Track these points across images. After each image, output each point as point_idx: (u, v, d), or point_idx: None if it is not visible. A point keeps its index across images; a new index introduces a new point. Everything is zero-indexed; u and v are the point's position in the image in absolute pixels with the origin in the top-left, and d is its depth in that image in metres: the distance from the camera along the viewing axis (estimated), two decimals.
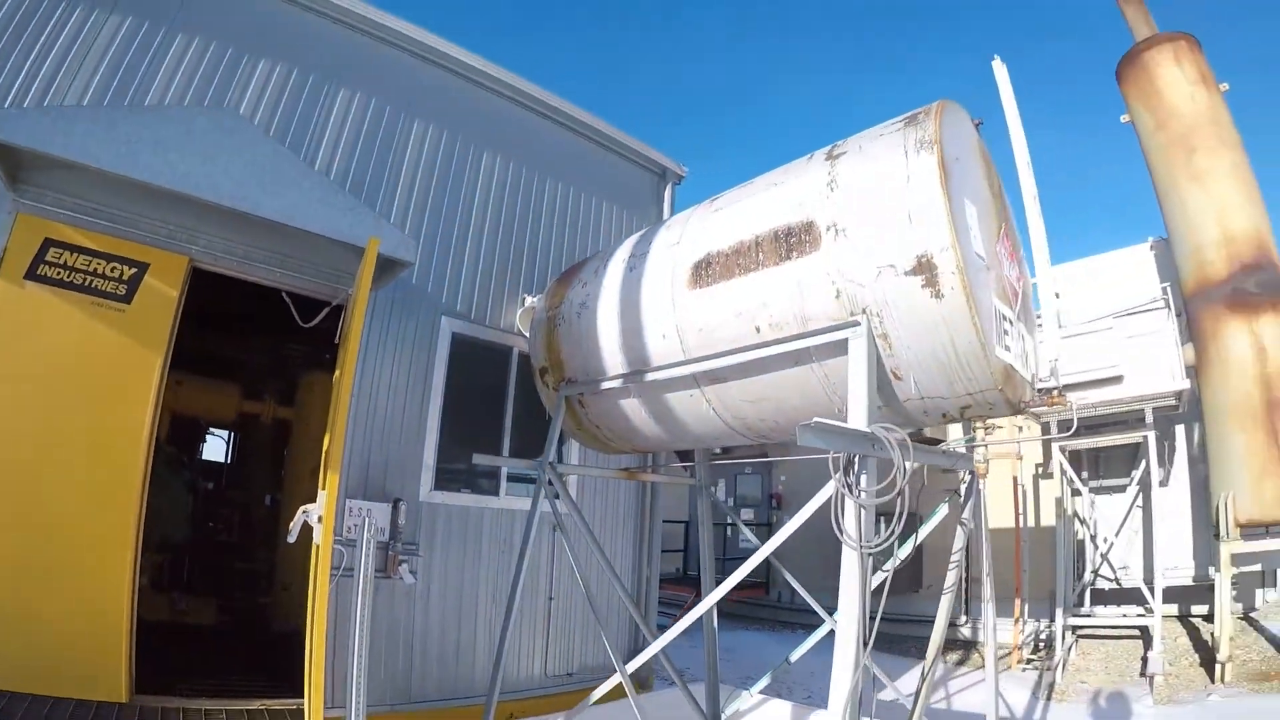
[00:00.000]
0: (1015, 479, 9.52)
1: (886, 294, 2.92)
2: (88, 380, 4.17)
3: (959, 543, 4.01)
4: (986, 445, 3.32)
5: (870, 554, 2.74)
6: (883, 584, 3.91)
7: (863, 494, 2.75)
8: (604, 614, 6.13)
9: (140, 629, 4.30)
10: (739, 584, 13.80)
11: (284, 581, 6.29)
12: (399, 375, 5.21)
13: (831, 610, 11.23)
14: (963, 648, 10.26)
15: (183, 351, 6.21)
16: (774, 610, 12.63)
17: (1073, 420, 3.58)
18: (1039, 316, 3.28)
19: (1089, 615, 9.16)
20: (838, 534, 2.76)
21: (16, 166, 3.89)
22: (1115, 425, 8.68)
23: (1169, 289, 8.59)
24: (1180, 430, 9.56)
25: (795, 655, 5.04)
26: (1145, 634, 8.53)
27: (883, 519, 3.56)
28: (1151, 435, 8.28)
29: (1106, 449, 9.48)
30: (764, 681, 5.45)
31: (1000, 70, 4.88)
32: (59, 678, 3.94)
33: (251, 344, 7.54)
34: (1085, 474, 9.95)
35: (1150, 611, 8.30)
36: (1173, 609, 9.68)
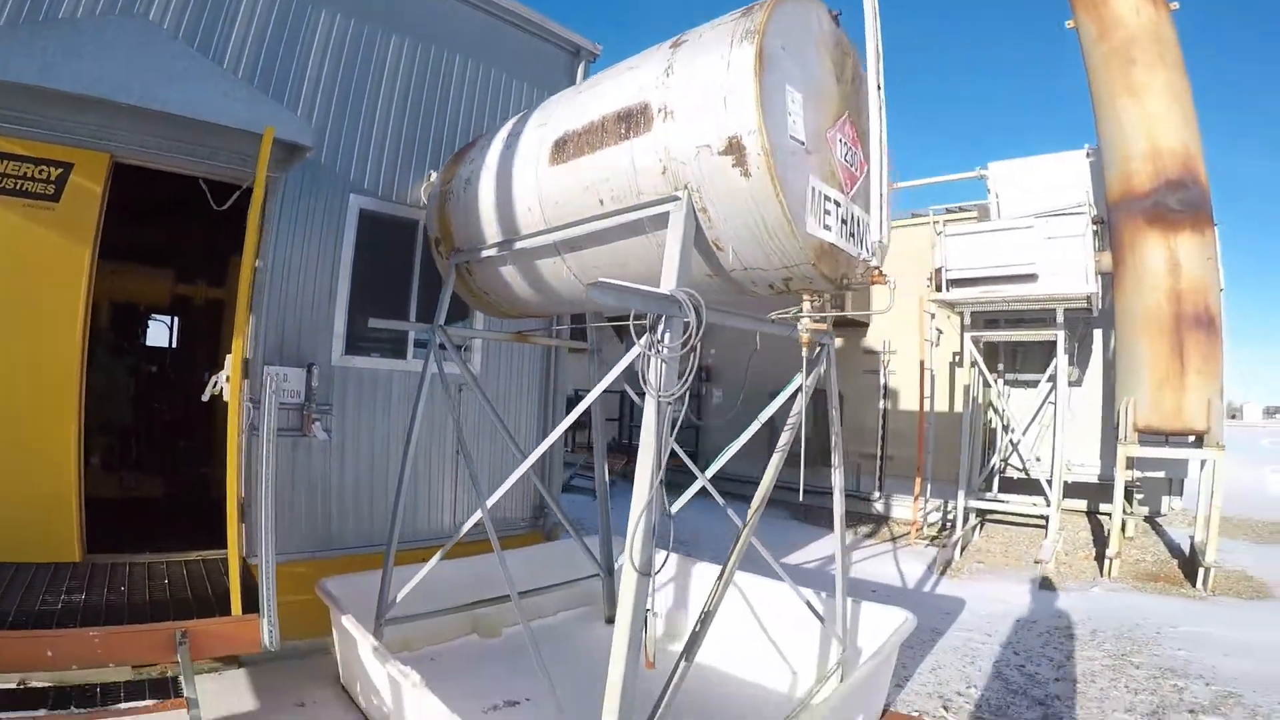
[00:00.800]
0: (922, 364, 9.81)
1: (704, 172, 3.09)
2: (24, 275, 4.39)
3: (797, 405, 4.29)
4: (806, 316, 3.50)
5: (668, 403, 2.98)
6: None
7: (665, 349, 2.97)
8: (510, 469, 6.48)
9: (93, 505, 4.71)
10: (673, 454, 14.21)
11: (222, 452, 6.63)
12: (310, 250, 5.39)
13: (748, 479, 11.55)
14: (874, 521, 10.92)
15: (119, 243, 6.29)
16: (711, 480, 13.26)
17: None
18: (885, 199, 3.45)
19: (995, 500, 9.67)
20: (642, 385, 3.00)
21: None
22: (1035, 323, 8.92)
23: (1089, 194, 8.67)
24: (1099, 335, 9.83)
25: (675, 508, 5.42)
26: (1049, 524, 9.07)
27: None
28: (1061, 335, 8.54)
29: (1026, 344, 9.78)
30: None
31: None
32: (21, 545, 4.34)
33: (183, 231, 7.59)
34: (1002, 366, 10.27)
35: (1049, 503, 8.76)
36: (1080, 504, 10.24)
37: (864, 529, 10.50)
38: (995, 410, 9.86)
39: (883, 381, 11.10)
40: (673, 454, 12.98)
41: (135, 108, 4.18)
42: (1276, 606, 7.13)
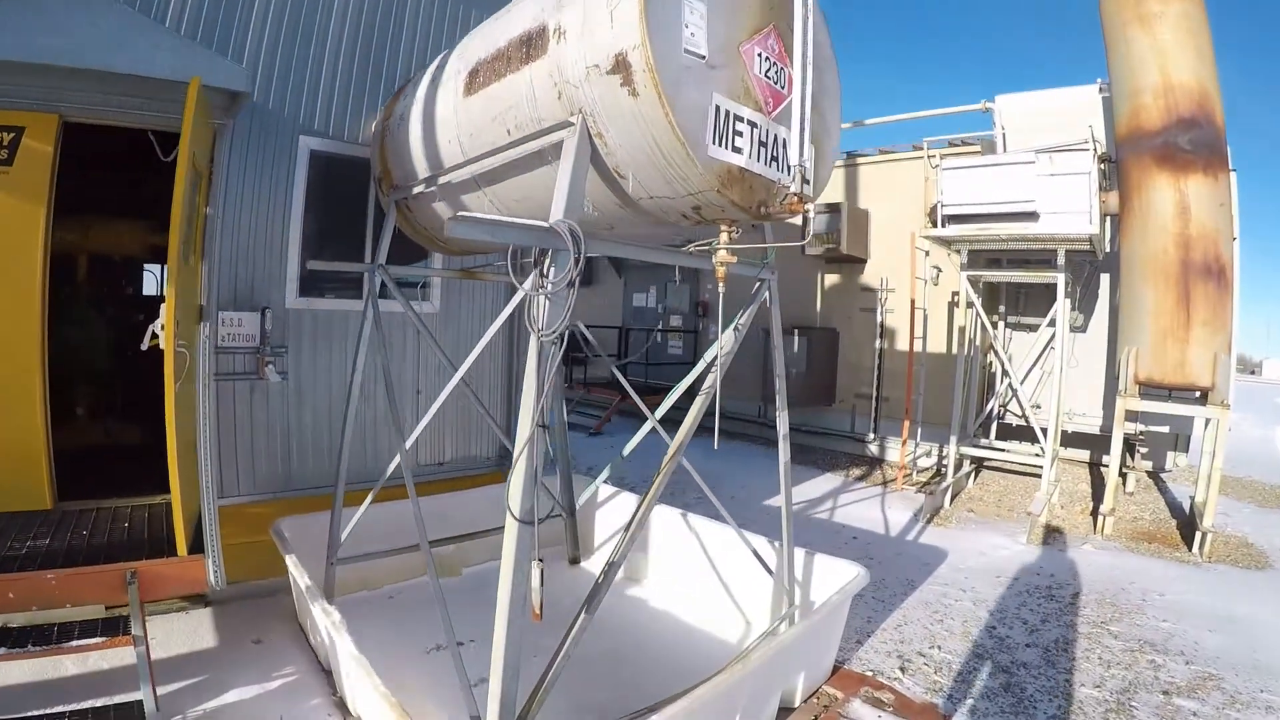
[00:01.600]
0: (913, 302, 9.39)
1: (597, 94, 2.84)
2: None
3: (727, 344, 4.11)
4: (721, 248, 3.27)
5: (551, 342, 2.81)
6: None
7: (550, 285, 2.79)
8: (472, 408, 6.54)
9: (72, 454, 4.90)
10: (664, 390, 14.11)
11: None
12: (261, 194, 5.27)
13: (748, 417, 11.59)
14: (867, 464, 10.64)
15: (92, 198, 6.19)
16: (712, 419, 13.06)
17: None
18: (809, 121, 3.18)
19: (990, 448, 9.34)
20: (528, 325, 2.83)
21: None
22: (1039, 264, 8.45)
23: (1094, 130, 8.11)
24: (1106, 280, 9.32)
25: (627, 450, 5.32)
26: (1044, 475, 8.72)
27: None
28: (1062, 278, 8.08)
29: (1030, 286, 9.32)
30: (605, 473, 5.77)
31: None
32: None
33: (151, 184, 7.57)
34: (1004, 308, 9.82)
35: (1043, 453, 8.37)
36: (1083, 455, 9.83)
37: (856, 471, 10.23)
38: (997, 353, 9.45)
39: (879, 320, 10.70)
40: (657, 390, 12.93)
41: (74, 69, 4.16)
42: (1273, 578, 6.69)
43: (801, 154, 3.16)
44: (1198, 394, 7.41)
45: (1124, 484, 9.04)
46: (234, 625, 4.85)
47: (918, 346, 9.36)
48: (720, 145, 2.93)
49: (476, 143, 3.62)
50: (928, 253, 9.26)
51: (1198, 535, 7.24)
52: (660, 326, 13.73)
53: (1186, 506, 8.41)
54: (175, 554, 4.07)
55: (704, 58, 2.87)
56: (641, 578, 5.76)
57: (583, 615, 3.36)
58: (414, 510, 4.20)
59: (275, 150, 5.31)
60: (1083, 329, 9.34)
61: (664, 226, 3.62)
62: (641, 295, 14.29)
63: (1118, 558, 7.05)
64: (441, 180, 4.01)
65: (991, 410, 9.70)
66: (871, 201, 10.85)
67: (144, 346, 4.15)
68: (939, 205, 8.29)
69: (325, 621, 3.76)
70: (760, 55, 3.16)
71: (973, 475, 9.56)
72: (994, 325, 9.59)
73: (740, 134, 3.03)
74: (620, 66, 2.71)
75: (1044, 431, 8.39)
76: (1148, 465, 9.49)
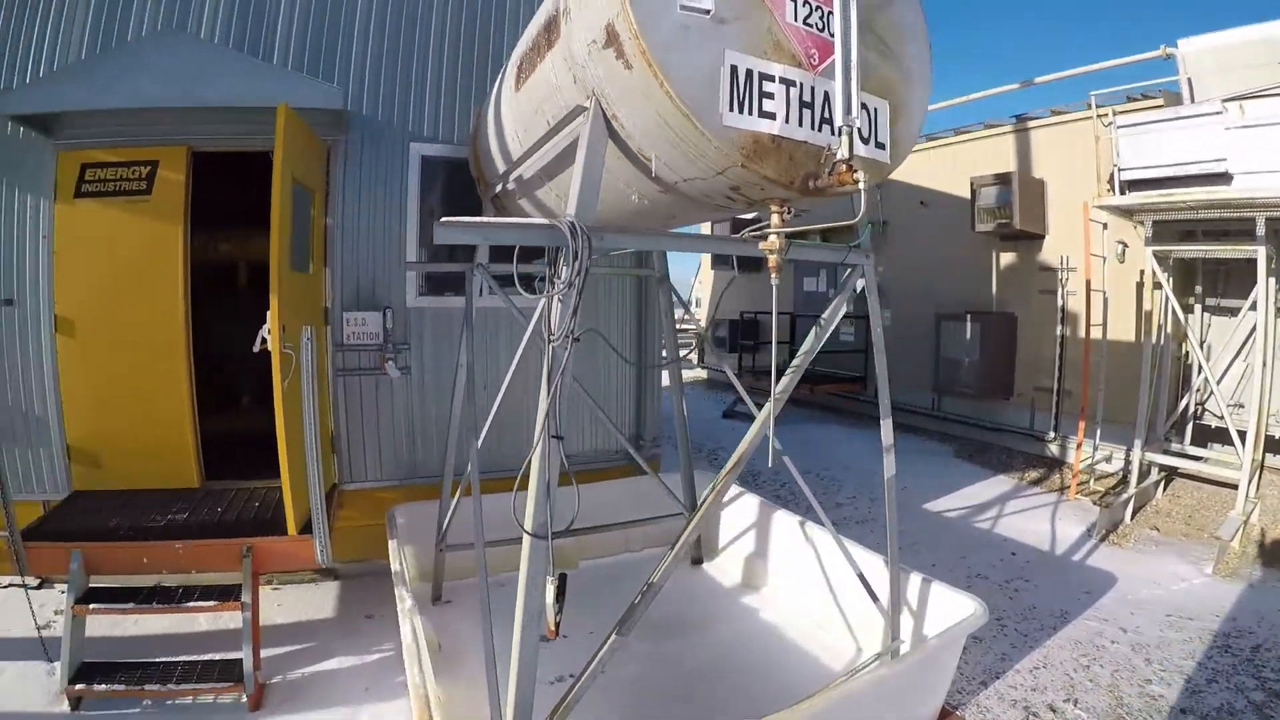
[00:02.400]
0: (1088, 282, 7.98)
1: (601, 72, 2.57)
2: (133, 258, 5.06)
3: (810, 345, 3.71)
4: (772, 233, 2.85)
5: (564, 348, 2.63)
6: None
7: (559, 287, 2.60)
8: (608, 400, 6.49)
9: (218, 440, 5.51)
10: (836, 378, 13.36)
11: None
12: (377, 202, 5.55)
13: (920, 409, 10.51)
14: (1045, 466, 9.23)
15: (226, 214, 6.68)
16: (870, 406, 11.62)
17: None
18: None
19: (1180, 456, 7.77)
20: (544, 334, 2.67)
21: (45, 122, 4.91)
22: (1240, 235, 6.90)
23: None
24: None
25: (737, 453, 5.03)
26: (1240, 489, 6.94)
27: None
28: (1262, 251, 6.48)
29: (1231, 263, 7.61)
30: (728, 467, 5.54)
31: None
32: (151, 476, 5.10)
33: None
34: (1200, 288, 8.15)
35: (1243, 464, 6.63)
36: None
37: (1032, 474, 8.95)
38: (1195, 344, 7.89)
39: (1060, 304, 9.32)
40: (827, 379, 12.21)
41: (191, 108, 4.75)
42: None
43: (849, 109, 2.64)
44: None
45: None
46: (354, 599, 5.16)
47: (1098, 334, 8.08)
48: (742, 111, 2.53)
49: (529, 136, 3.46)
50: (1106, 225, 7.96)
51: None
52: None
53: None
54: (286, 533, 4.37)
55: (708, 12, 2.49)
56: (760, 585, 5.39)
57: (614, 636, 3.12)
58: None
59: (388, 159, 5.58)
60: None
61: (726, 210, 3.32)
62: (812, 280, 13.45)
63: None
64: (512, 176, 3.94)
65: (1186, 409, 8.10)
66: (1047, 169, 9.52)
67: (255, 349, 4.47)
68: (1115, 169, 7.06)
69: (400, 606, 3.84)
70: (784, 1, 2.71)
71: (1162, 485, 8.00)
72: (1189, 309, 8.02)
73: (771, 95, 2.58)
74: (611, 38, 2.43)
75: (1242, 436, 6.77)
76: None
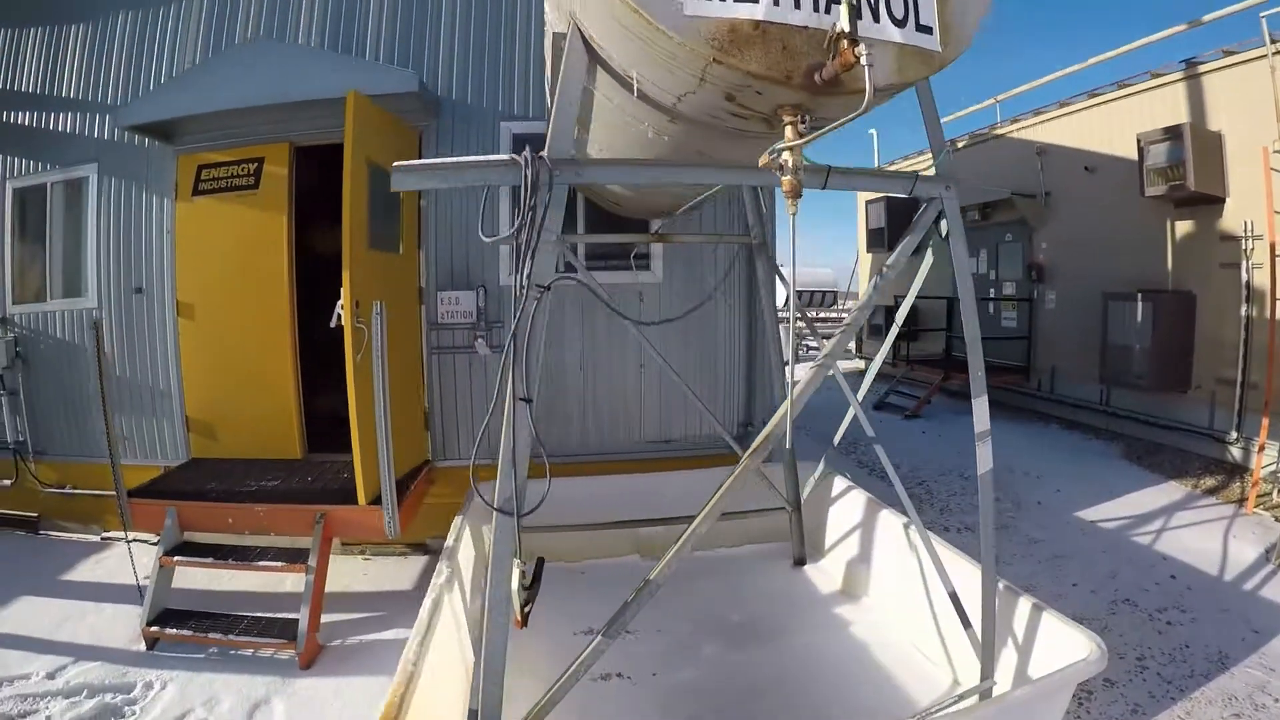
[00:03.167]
0: (1272, 247, 6.33)
1: None
2: (243, 248, 5.40)
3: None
4: (784, 149, 2.29)
5: (535, 296, 2.33)
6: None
7: (536, 234, 2.30)
8: (711, 381, 6.05)
9: (322, 417, 5.68)
10: (998, 369, 11.88)
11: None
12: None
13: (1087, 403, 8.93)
14: (1224, 472, 7.46)
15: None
16: (1032, 400, 10.36)
17: None
18: None
19: None
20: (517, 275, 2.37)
21: (164, 130, 5.38)
22: None
23: None
24: None
25: (836, 439, 4.75)
26: None
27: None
28: None
29: None
30: (821, 465, 5.14)
31: None
32: (262, 446, 5.41)
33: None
34: None
35: None
36: None
37: (1209, 481, 7.32)
38: None
39: (1245, 279, 7.61)
40: (1001, 369, 10.73)
41: (289, 105, 4.94)
42: None
43: None
44: None
45: None
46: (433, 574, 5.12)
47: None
48: None
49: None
50: None
51: None
52: (993, 295, 11.52)
53: None
54: (357, 503, 4.39)
55: None
56: (860, 593, 4.57)
57: (599, 638, 2.72)
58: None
59: (480, 139, 5.54)
60: None
61: (748, 137, 2.83)
62: (973, 261, 12.21)
63: None
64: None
65: None
66: (1223, 120, 7.84)
67: (332, 325, 4.53)
68: None
69: (434, 580, 3.68)
70: None
71: None
72: None
73: None
74: None
75: None
76: None
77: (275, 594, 4.68)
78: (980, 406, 2.97)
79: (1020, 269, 10.73)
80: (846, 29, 1.99)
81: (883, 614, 4.27)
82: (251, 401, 5.37)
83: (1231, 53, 7.66)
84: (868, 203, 13.72)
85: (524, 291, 2.31)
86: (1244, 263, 7.56)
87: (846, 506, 5.09)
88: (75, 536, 5.66)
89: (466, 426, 5.67)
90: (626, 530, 5.06)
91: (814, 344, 18.31)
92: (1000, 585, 3.17)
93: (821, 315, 21.86)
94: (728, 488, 2.91)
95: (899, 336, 11.91)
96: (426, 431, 5.58)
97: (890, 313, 12.13)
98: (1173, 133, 7.85)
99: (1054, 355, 10.07)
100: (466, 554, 4.18)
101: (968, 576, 3.27)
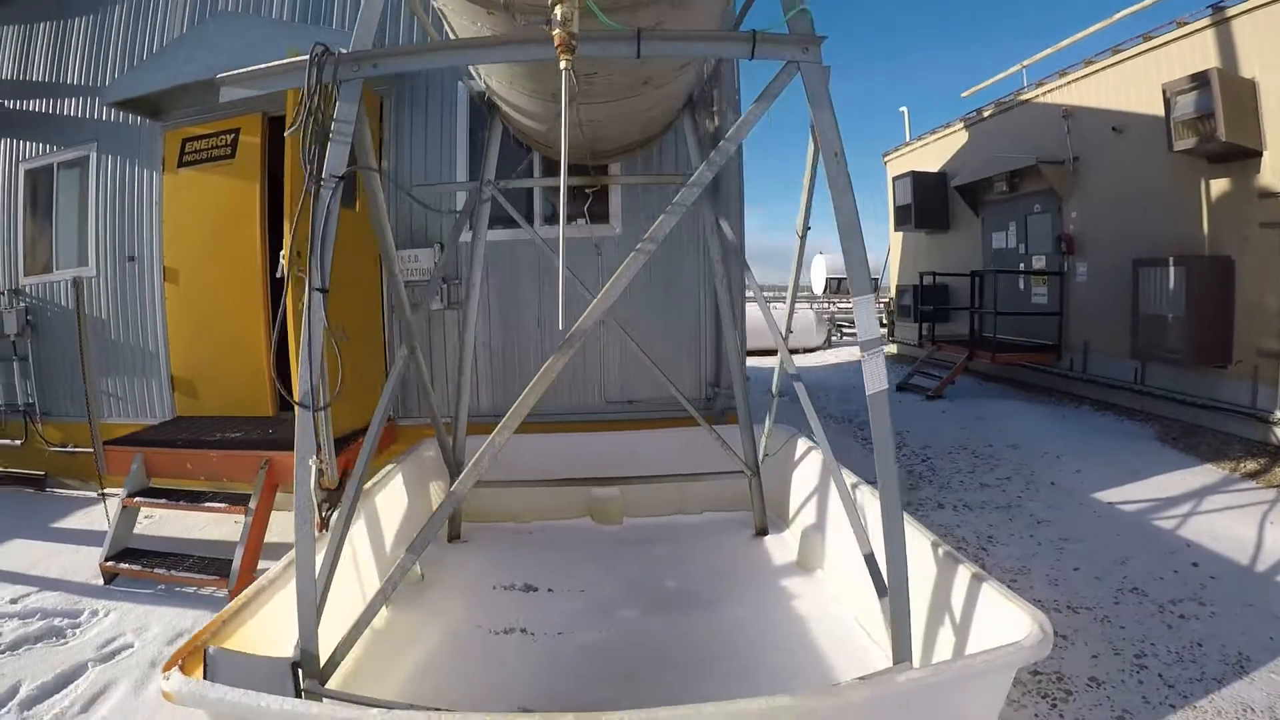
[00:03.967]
0: None
1: None
2: (222, 215, 5.66)
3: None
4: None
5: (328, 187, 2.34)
6: None
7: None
8: (680, 343, 5.90)
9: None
10: (1027, 348, 11.25)
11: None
12: (431, 138, 5.67)
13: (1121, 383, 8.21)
14: (1267, 454, 6.64)
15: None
16: (1064, 380, 9.61)
17: None
18: None
19: None
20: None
21: (151, 107, 5.71)
22: None
23: None
24: None
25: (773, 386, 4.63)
26: None
27: None
28: None
29: None
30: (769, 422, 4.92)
31: None
32: (238, 404, 5.65)
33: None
34: None
35: None
36: None
37: (1249, 465, 6.53)
38: None
39: None
40: (1010, 346, 10.16)
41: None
42: None
43: None
44: None
45: None
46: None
47: None
48: None
49: None
50: None
51: None
52: (1022, 269, 10.88)
53: None
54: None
55: None
56: (815, 565, 4.21)
57: (405, 555, 2.73)
58: None
59: (440, 101, 5.65)
60: None
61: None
62: (1000, 234, 11.46)
63: None
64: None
65: None
66: (1257, 66, 7.14)
67: (276, 275, 4.68)
68: None
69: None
70: None
71: None
72: None
73: None
74: None
75: None
76: None
77: (233, 542, 4.84)
78: (865, 319, 2.42)
79: (1050, 241, 10.09)
80: None
81: (836, 587, 3.92)
82: (228, 361, 5.62)
83: None
84: (895, 178, 13.23)
85: (314, 185, 2.31)
86: None
87: (807, 471, 4.77)
88: (76, 493, 6.04)
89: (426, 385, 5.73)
90: (579, 489, 4.99)
91: (850, 329, 17.96)
92: (939, 552, 2.85)
93: (843, 303, 21.16)
94: None
95: (926, 316, 11.42)
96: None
97: (920, 292, 11.64)
98: (1199, 80, 7.23)
99: (1086, 332, 9.42)
100: (387, 501, 4.16)
101: (917, 550, 2.84)
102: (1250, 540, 4.95)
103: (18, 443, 6.18)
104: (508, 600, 3.90)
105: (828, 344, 15.74)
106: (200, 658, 2.17)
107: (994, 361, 10.10)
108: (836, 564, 3.98)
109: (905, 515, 2.80)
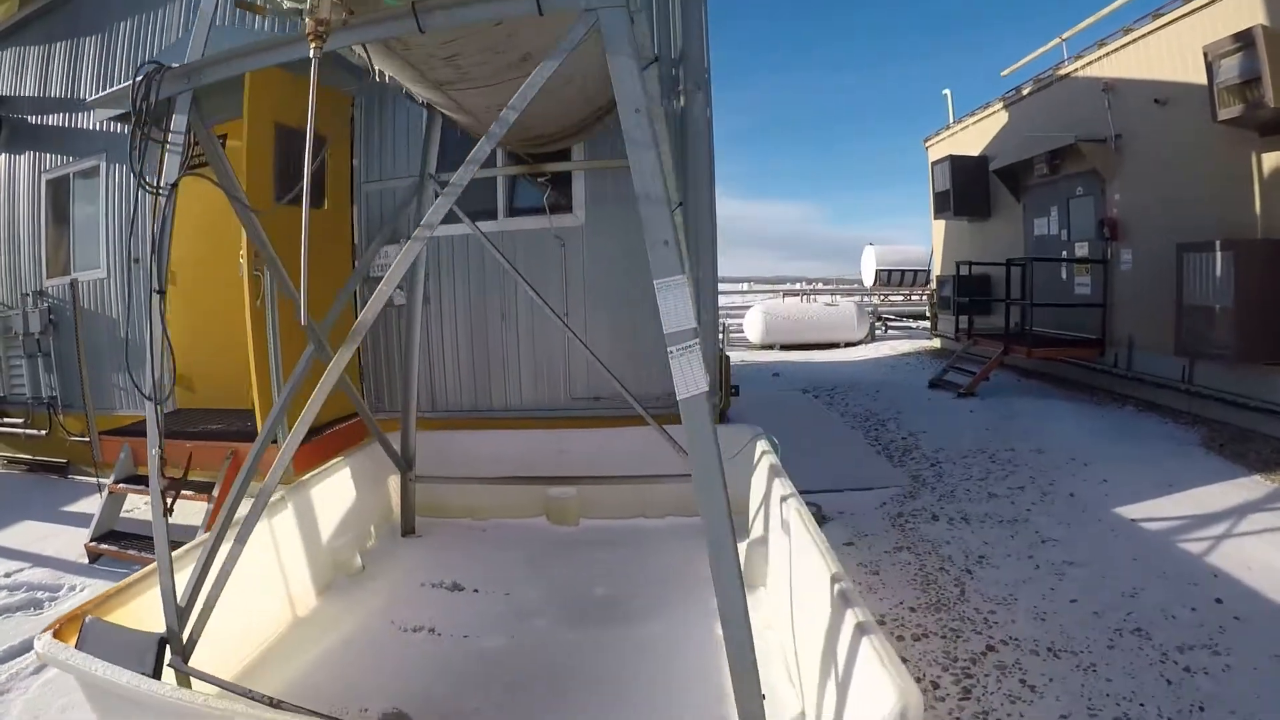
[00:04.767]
0: None
1: None
2: (211, 216, 5.46)
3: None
4: None
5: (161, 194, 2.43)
6: None
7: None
8: (634, 336, 5.68)
9: None
10: (1068, 342, 10.68)
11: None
12: (399, 137, 5.80)
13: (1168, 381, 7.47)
14: None
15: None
16: (1108, 377, 8.90)
17: None
18: None
19: None
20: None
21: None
22: None
23: None
24: None
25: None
26: None
27: None
28: None
29: None
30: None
31: None
32: (229, 398, 5.87)
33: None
34: None
35: None
36: None
37: None
38: None
39: None
40: (1049, 341, 9.60)
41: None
42: None
43: None
44: None
45: None
46: None
47: None
48: None
49: None
50: None
51: None
52: (1064, 257, 10.15)
53: None
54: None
55: None
56: (758, 583, 3.85)
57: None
58: None
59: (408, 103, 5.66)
60: None
61: None
62: (1042, 221, 10.71)
63: None
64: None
65: None
66: None
67: (242, 274, 4.86)
68: None
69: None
70: None
71: None
72: None
73: None
74: None
75: None
76: None
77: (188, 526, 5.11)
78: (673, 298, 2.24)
79: (1093, 226, 9.37)
80: None
81: (771, 611, 3.57)
82: (219, 358, 5.89)
83: None
84: (934, 164, 12.59)
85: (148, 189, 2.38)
86: None
87: (763, 477, 4.34)
88: (91, 479, 6.46)
89: (399, 381, 5.84)
90: (536, 488, 4.93)
91: (896, 323, 17.29)
92: (836, 589, 2.36)
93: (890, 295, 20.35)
94: None
95: (963, 308, 10.83)
96: (361, 383, 5.83)
97: (958, 283, 11.05)
98: (1244, 39, 6.54)
99: (1130, 325, 8.69)
100: (326, 493, 4.24)
101: (812, 583, 2.66)
102: None
103: (43, 433, 6.70)
104: (430, 598, 3.91)
105: (871, 337, 15.21)
106: (79, 625, 2.39)
107: (1029, 356, 9.48)
108: (779, 584, 3.50)
109: (819, 540, 2.72)
